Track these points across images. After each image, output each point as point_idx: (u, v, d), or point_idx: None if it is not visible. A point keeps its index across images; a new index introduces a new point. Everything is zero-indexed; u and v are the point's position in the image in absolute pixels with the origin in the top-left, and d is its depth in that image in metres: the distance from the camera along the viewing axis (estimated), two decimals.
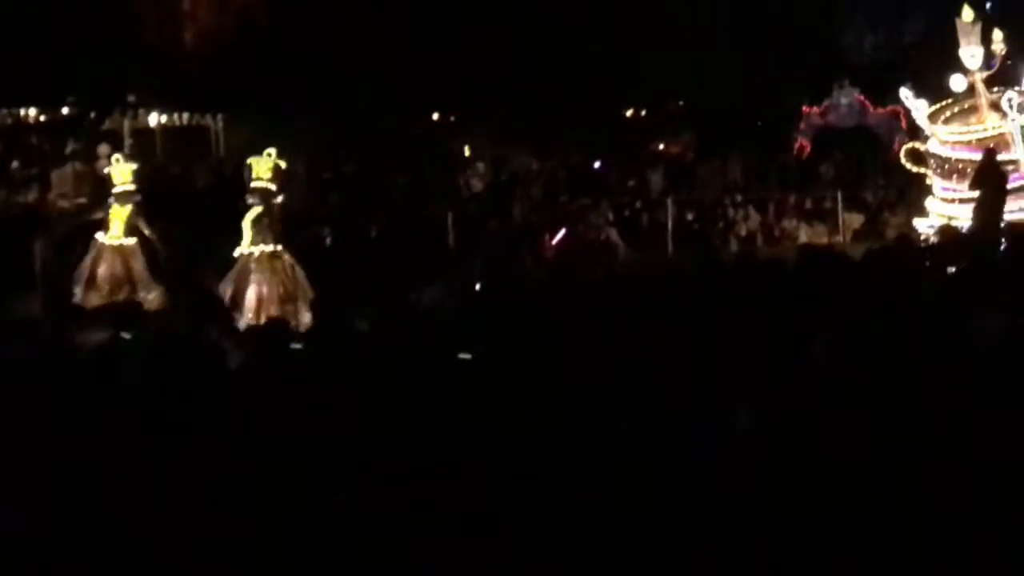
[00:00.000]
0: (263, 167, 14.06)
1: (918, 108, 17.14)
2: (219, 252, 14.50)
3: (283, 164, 14.27)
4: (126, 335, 6.36)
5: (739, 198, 23.57)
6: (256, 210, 13.97)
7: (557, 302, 7.24)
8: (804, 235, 22.29)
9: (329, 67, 26.06)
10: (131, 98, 25.48)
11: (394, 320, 6.72)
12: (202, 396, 5.01)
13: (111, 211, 15.38)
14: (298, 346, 6.00)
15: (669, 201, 22.58)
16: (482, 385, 5.02)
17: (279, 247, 14.07)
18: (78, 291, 15.01)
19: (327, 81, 25.57)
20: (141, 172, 15.96)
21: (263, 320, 12.41)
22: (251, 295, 13.79)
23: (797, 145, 27.85)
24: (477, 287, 10.14)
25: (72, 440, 4.56)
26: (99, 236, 15.37)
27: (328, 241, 19.80)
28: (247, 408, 4.93)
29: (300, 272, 14.17)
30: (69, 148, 22.28)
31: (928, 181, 17.28)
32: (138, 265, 15.40)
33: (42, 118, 25.69)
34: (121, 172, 15.47)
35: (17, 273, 15.43)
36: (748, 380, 4.88)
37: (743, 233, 22.69)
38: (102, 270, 15.22)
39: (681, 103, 30.48)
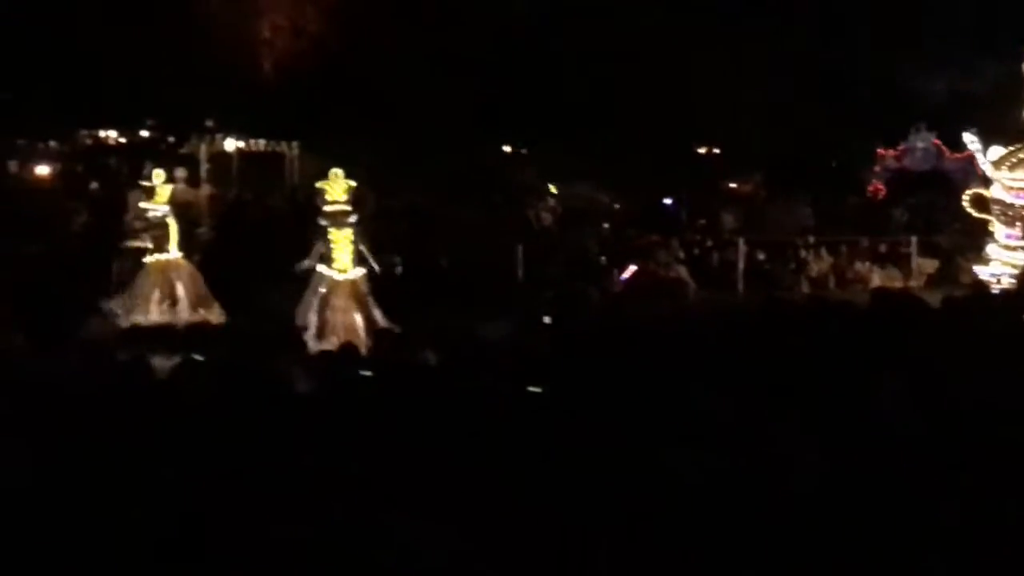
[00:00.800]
0: (339, 188, 13.92)
1: (983, 153, 17.02)
2: (291, 277, 14.58)
3: (352, 183, 14.19)
4: (198, 357, 6.43)
5: (811, 239, 23.43)
6: (348, 232, 13.83)
7: (625, 338, 7.22)
8: (877, 279, 22.12)
9: (402, 96, 26.23)
10: (209, 123, 25.83)
11: (463, 352, 6.73)
12: (267, 422, 5.06)
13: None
14: (368, 373, 6.02)
15: (741, 241, 22.46)
16: (552, 418, 5.02)
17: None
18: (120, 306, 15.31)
19: (399, 110, 25.74)
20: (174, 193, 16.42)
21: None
22: (355, 320, 13.73)
23: (872, 188, 27.64)
24: (546, 321, 10.13)
25: (141, 458, 4.61)
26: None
27: (399, 271, 19.86)
28: (315, 433, 4.96)
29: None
30: (147, 171, 22.56)
31: (991, 228, 17.10)
32: (184, 281, 15.59)
33: (121, 140, 26.11)
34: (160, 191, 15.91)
35: (95, 294, 15.64)
36: (816, 424, 4.84)
37: (814, 274, 22.54)
38: (145, 287, 15.53)
39: (754, 142, 30.37)
